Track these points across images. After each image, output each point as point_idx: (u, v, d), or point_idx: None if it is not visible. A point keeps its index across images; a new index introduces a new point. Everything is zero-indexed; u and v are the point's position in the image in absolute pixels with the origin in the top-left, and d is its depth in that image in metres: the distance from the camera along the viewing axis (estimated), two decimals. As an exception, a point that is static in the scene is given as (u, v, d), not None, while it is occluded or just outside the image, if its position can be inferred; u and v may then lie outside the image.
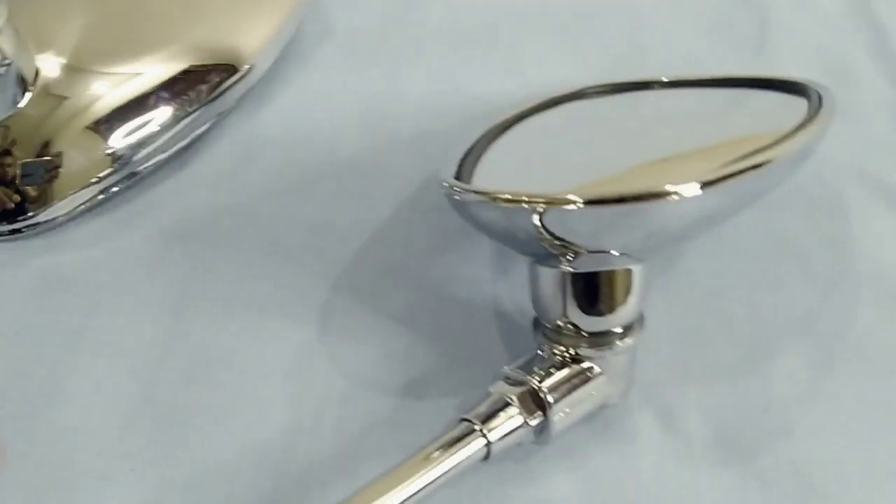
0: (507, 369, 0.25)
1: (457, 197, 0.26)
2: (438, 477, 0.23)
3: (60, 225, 0.30)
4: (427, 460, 0.23)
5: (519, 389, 0.24)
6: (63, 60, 0.32)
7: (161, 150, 0.32)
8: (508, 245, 0.27)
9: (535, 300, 0.26)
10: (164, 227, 0.30)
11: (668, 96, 0.33)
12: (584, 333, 0.25)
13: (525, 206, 0.23)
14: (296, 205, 0.31)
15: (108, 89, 0.32)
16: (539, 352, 0.26)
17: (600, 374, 0.25)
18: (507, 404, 0.24)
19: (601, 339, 0.25)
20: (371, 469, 0.23)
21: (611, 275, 0.25)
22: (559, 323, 0.25)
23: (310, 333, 0.28)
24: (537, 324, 0.26)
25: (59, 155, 0.31)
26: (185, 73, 0.33)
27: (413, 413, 0.26)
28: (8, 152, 0.30)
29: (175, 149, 0.32)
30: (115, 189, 0.31)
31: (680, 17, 0.42)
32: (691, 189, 0.23)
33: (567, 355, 0.25)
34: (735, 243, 0.33)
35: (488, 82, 0.36)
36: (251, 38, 0.34)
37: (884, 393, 0.29)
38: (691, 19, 0.42)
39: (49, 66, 0.32)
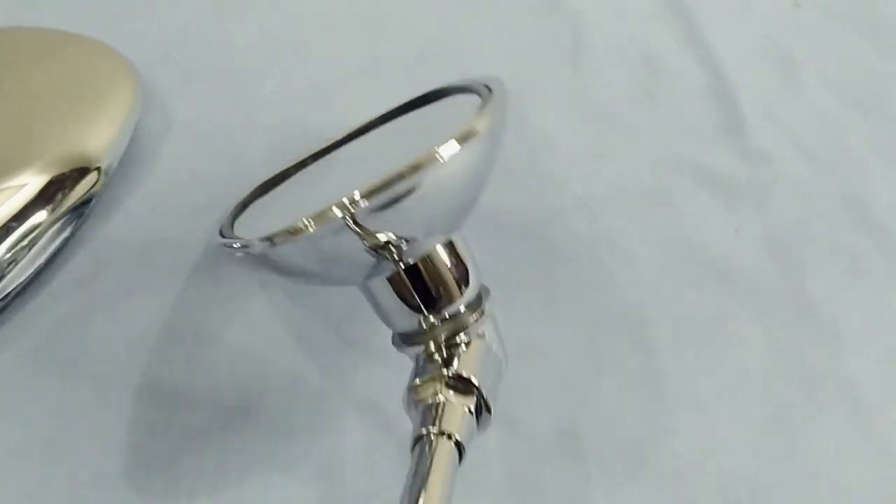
0: (414, 383, 0.25)
1: (275, 244, 0.25)
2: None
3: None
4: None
5: (444, 392, 0.25)
6: None
7: (25, 269, 0.34)
8: (328, 276, 0.27)
9: (387, 314, 0.27)
10: (35, 345, 0.32)
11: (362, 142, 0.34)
12: (450, 314, 0.26)
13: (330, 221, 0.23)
14: (151, 304, 0.33)
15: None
16: (419, 358, 0.26)
17: (485, 339, 0.26)
18: (444, 404, 0.24)
19: (468, 314, 0.26)
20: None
21: (436, 254, 0.26)
22: (422, 321, 0.26)
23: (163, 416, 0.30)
24: (402, 337, 0.27)
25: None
26: (44, 186, 0.35)
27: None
28: None
29: (38, 265, 0.34)
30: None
31: (497, 39, 0.45)
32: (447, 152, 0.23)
33: (444, 346, 0.26)
34: (564, 249, 0.36)
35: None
36: (94, 143, 0.36)
37: (711, 366, 0.33)
38: (508, 40, 0.45)
39: None
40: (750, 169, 0.39)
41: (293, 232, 0.23)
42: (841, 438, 0.31)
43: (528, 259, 0.35)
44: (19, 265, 0.34)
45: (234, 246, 0.27)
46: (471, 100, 0.28)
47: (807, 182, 0.39)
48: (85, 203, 0.36)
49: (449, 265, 0.26)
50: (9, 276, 0.33)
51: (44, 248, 0.34)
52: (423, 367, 0.26)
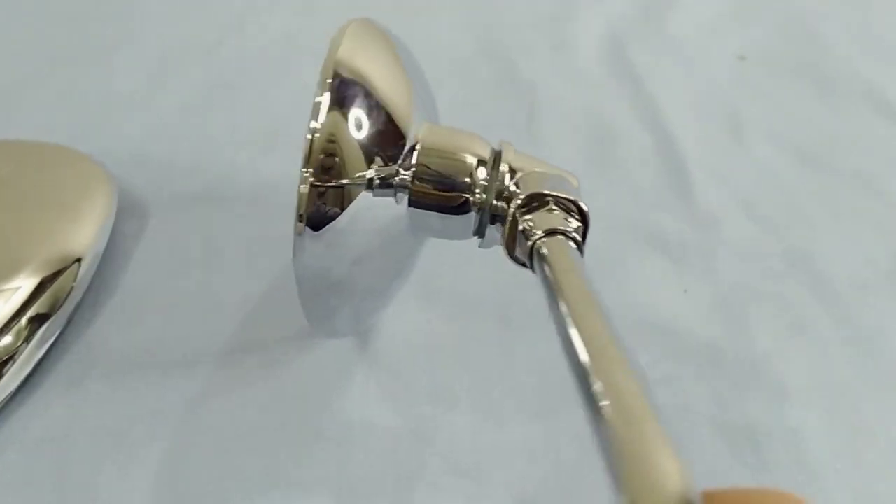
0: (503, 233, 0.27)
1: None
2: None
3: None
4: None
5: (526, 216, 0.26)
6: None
7: (15, 377, 0.36)
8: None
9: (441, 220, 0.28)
10: (29, 449, 0.34)
11: None
12: (480, 181, 0.28)
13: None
14: (135, 399, 0.35)
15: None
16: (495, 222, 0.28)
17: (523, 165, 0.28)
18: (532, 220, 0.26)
19: (492, 167, 0.28)
20: None
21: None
22: (471, 200, 0.28)
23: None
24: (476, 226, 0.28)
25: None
26: (34, 289, 0.37)
27: None
28: None
29: (26, 374, 0.36)
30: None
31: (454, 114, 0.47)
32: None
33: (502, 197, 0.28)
34: (520, 319, 0.38)
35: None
36: (72, 248, 0.39)
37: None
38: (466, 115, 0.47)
39: None
40: (698, 230, 0.41)
41: None
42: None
43: (485, 328, 0.37)
44: (6, 375, 0.36)
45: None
46: None
47: (753, 240, 0.41)
48: (67, 308, 0.38)
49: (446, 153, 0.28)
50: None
51: (31, 354, 0.37)
52: (499, 222, 0.27)
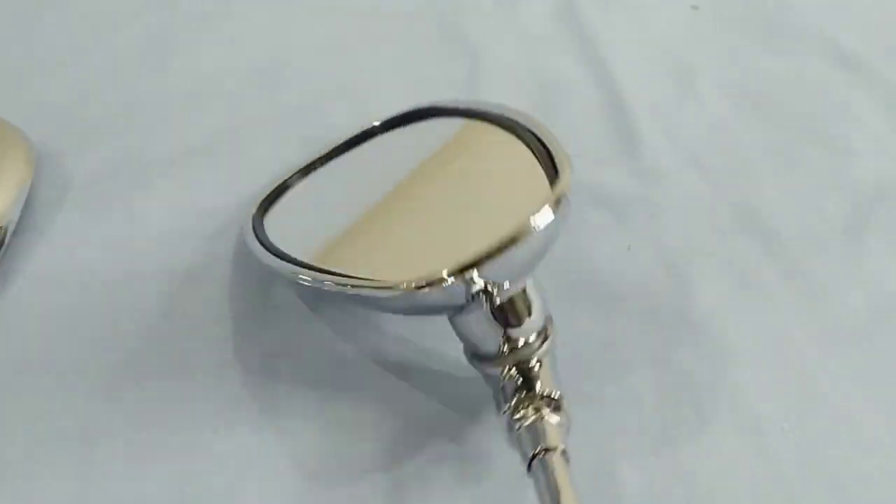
0: (510, 406, 0.29)
1: (351, 291, 0.29)
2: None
3: None
4: None
5: (535, 414, 0.28)
6: None
7: None
8: (415, 312, 0.31)
9: (471, 341, 0.30)
10: None
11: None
12: (525, 343, 0.30)
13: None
14: (52, 371, 0.34)
15: None
16: (500, 378, 0.29)
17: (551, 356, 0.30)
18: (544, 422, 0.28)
19: (538, 339, 0.30)
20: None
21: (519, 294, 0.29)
22: (503, 347, 0.29)
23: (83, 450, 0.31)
24: (480, 358, 0.30)
25: None
26: None
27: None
28: None
29: None
30: None
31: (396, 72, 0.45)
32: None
33: (517, 367, 0.29)
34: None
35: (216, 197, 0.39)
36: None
37: (599, 389, 0.33)
38: (407, 73, 0.45)
39: None
40: (644, 186, 0.39)
41: (432, 283, 0.27)
42: (730, 453, 0.31)
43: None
44: None
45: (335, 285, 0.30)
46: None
47: (700, 195, 0.39)
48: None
49: (525, 300, 0.30)
50: None
51: None
52: (508, 391, 0.29)
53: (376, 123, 0.39)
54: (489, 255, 0.27)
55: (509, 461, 0.28)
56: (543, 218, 0.28)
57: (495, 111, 0.36)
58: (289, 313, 0.35)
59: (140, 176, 0.40)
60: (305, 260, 0.32)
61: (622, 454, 0.31)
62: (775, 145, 0.41)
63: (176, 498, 0.30)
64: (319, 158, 0.38)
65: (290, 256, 0.33)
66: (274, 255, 0.33)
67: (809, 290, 0.35)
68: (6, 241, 0.37)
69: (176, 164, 0.40)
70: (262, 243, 0.34)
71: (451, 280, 0.27)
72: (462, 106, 0.37)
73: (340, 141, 0.39)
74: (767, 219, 0.38)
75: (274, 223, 0.36)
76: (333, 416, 0.32)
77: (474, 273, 0.27)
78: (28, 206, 0.38)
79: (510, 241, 0.27)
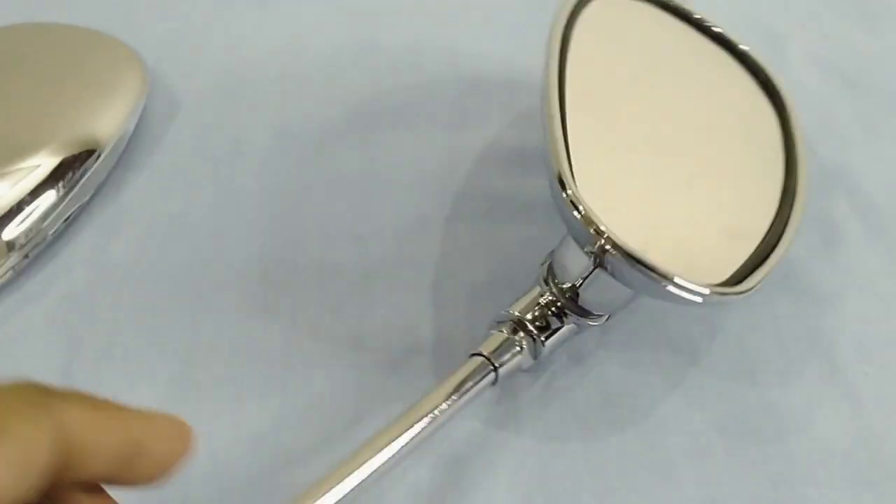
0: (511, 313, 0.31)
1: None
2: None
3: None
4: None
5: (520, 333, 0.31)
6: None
7: (43, 234, 0.36)
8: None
9: (560, 262, 0.31)
10: (55, 298, 0.35)
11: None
12: (576, 304, 0.31)
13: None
14: (159, 271, 0.36)
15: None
16: (539, 292, 0.31)
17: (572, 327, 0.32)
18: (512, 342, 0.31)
19: (583, 313, 0.32)
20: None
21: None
22: (566, 286, 0.31)
23: (177, 370, 0.33)
24: (550, 272, 0.32)
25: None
26: (56, 167, 0.37)
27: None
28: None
29: (54, 231, 0.37)
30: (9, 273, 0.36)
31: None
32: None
33: (556, 306, 0.31)
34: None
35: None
36: (103, 126, 0.39)
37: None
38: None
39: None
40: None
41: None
42: (813, 392, 0.32)
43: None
44: (33, 239, 0.36)
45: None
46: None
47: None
48: (93, 181, 0.38)
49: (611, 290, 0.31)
50: (22, 250, 0.36)
51: (54, 223, 0.37)
52: (532, 302, 0.32)
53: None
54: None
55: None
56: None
57: None
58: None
59: (245, 99, 0.42)
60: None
61: (709, 387, 0.32)
62: (864, 113, 0.42)
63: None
64: None
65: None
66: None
67: (893, 246, 0.36)
68: (120, 152, 0.39)
69: (278, 89, 0.42)
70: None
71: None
72: None
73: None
74: (853, 179, 0.39)
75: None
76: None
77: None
78: (141, 121, 0.40)
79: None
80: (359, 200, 0.38)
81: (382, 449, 0.27)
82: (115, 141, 0.39)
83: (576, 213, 0.28)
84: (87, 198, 0.38)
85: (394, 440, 0.27)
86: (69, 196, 0.37)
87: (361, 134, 0.41)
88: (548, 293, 0.31)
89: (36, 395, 0.19)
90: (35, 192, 0.37)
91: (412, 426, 0.28)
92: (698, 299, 0.28)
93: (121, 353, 0.33)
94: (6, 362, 0.33)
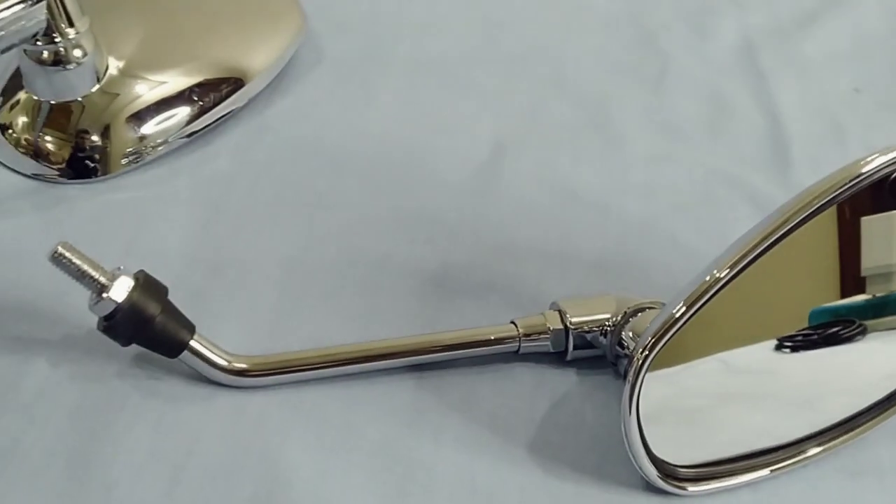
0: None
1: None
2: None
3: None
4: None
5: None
6: (119, 65, 0.44)
7: (184, 133, 0.44)
8: None
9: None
10: (193, 181, 0.43)
11: None
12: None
13: None
14: (290, 175, 0.43)
15: (145, 91, 0.44)
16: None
17: None
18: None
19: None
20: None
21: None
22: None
23: (296, 248, 0.40)
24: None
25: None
26: (201, 83, 0.45)
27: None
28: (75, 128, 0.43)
29: (199, 130, 0.44)
30: (149, 159, 0.43)
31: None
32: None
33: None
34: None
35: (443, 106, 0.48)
36: (260, 58, 0.46)
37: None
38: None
39: (111, 67, 0.44)
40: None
41: None
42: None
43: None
44: (179, 130, 0.44)
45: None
46: None
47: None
48: (238, 96, 0.45)
49: None
50: (170, 136, 0.43)
51: (203, 120, 0.44)
52: None
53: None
54: None
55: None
56: None
57: None
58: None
59: (380, 70, 0.50)
60: None
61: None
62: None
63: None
64: None
65: None
66: None
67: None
68: (270, 80, 0.47)
69: (411, 70, 0.50)
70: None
71: None
72: None
73: None
74: None
75: None
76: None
77: None
78: (291, 64, 0.48)
79: None
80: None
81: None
82: (264, 75, 0.46)
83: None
84: (232, 109, 0.45)
85: None
86: (217, 105, 0.45)
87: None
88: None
89: None
90: (178, 100, 0.44)
91: None
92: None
93: (248, 228, 0.41)
94: (156, 221, 0.41)
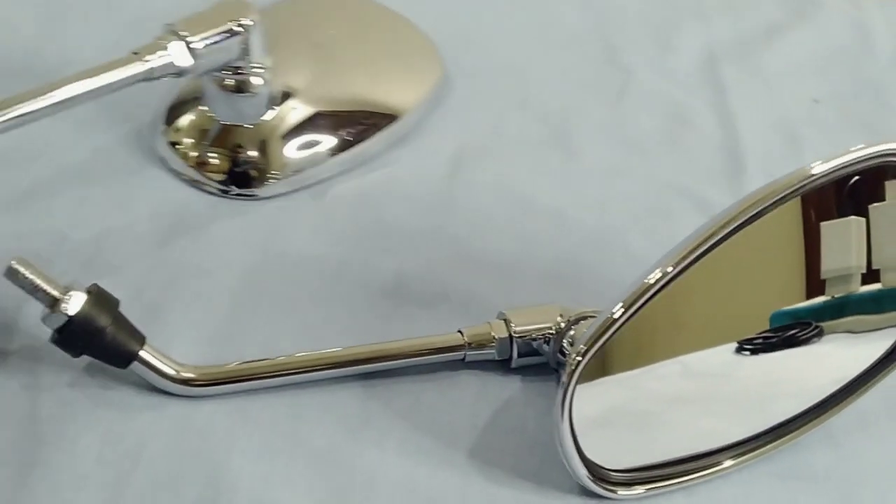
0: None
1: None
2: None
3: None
4: None
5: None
6: (287, 93, 0.47)
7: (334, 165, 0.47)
8: None
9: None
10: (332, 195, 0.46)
11: None
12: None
13: None
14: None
15: (304, 118, 0.47)
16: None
17: None
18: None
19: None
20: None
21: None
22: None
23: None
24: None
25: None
26: (354, 113, 0.49)
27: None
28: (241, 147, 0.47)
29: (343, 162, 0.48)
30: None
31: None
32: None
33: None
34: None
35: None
36: (406, 99, 0.50)
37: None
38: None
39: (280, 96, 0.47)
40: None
41: None
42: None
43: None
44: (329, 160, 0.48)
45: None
46: None
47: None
48: (385, 133, 0.49)
49: None
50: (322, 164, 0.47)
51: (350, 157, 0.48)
52: None
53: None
54: None
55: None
56: None
57: None
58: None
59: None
60: None
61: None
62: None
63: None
64: None
65: None
66: None
67: None
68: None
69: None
70: None
71: None
72: None
73: None
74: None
75: None
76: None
77: None
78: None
79: None
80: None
81: None
82: (411, 113, 0.50)
83: None
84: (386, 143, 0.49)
85: None
86: (365, 140, 0.48)
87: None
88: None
89: None
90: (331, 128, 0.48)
91: None
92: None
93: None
94: (284, 237, 0.44)
